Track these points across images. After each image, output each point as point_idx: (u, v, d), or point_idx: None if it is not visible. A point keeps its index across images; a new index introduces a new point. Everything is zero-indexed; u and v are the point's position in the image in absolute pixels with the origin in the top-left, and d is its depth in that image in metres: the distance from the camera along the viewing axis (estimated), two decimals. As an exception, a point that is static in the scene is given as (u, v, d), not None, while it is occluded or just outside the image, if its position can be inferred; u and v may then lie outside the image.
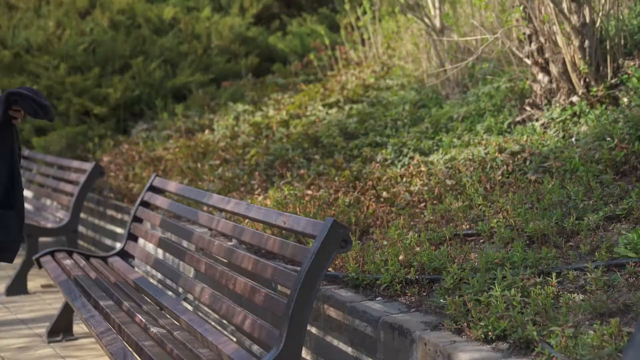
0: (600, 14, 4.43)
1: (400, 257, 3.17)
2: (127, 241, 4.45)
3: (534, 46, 4.71)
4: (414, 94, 6.16)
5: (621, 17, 4.61)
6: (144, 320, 3.20)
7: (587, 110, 4.30)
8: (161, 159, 6.69)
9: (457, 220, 3.58)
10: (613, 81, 4.36)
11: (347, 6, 8.43)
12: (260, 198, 4.65)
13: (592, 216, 3.16)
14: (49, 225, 5.86)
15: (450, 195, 3.91)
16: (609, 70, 4.39)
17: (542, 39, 4.65)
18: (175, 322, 3.29)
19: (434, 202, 3.97)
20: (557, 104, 4.53)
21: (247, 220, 4.16)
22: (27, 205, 7.17)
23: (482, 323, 2.49)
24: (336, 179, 4.71)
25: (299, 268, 2.66)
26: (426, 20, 6.05)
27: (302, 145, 5.68)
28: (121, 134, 8.57)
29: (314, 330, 3.23)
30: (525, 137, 4.34)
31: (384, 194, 4.23)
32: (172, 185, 4.26)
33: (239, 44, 9.35)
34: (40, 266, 4.36)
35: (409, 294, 2.97)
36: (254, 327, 2.80)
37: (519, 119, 4.75)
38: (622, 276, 2.64)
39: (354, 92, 6.75)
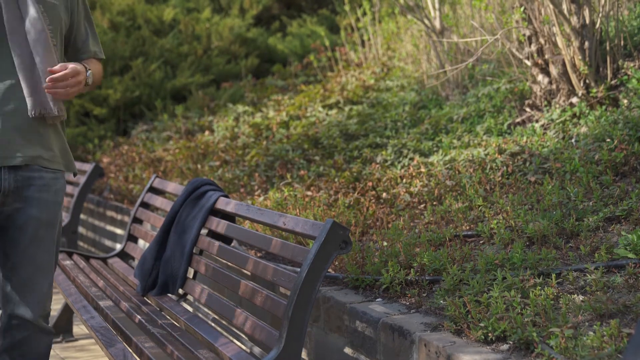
0: (600, 15, 4.43)
1: (400, 258, 3.17)
2: (127, 242, 4.45)
3: (533, 47, 4.71)
4: (414, 95, 6.17)
5: (621, 18, 4.61)
6: (143, 321, 3.20)
7: (587, 111, 4.30)
8: (161, 160, 6.69)
9: (457, 221, 3.58)
10: (613, 82, 4.36)
11: (347, 7, 8.44)
12: (261, 199, 4.65)
13: (592, 217, 3.16)
14: (49, 226, 5.86)
15: (450, 196, 3.91)
16: (608, 72, 4.39)
17: (542, 40, 4.65)
18: (175, 323, 3.29)
19: (434, 203, 3.97)
20: (557, 105, 4.53)
21: (246, 222, 4.17)
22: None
23: (482, 324, 2.49)
24: (336, 180, 4.71)
25: (299, 269, 2.66)
26: (426, 21, 6.05)
27: (302, 146, 5.68)
28: (121, 135, 8.58)
29: (314, 331, 3.23)
30: (525, 138, 4.34)
31: (384, 195, 4.23)
32: (172, 187, 4.26)
33: (239, 45, 9.36)
34: (40, 267, 4.35)
35: (409, 295, 2.97)
36: (254, 328, 2.80)
37: (518, 120, 4.75)
38: (621, 277, 2.64)
39: (354, 93, 6.75)
